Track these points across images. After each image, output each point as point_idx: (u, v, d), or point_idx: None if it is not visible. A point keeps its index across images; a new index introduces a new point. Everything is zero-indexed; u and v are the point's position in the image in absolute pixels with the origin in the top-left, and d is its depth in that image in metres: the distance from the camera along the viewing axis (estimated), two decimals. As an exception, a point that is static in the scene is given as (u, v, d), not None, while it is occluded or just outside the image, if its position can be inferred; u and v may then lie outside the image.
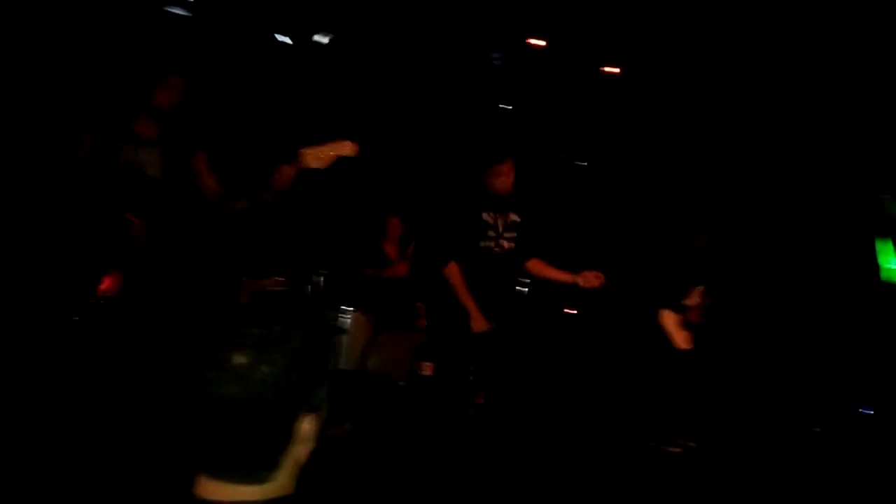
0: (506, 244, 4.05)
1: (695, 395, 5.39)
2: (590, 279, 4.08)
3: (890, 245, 5.73)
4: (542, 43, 5.49)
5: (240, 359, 1.04)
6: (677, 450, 5.01)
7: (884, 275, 5.67)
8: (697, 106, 6.08)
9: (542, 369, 5.74)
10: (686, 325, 5.44)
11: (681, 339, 5.45)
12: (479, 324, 3.94)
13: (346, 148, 3.15)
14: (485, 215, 4.04)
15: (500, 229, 4.07)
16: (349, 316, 4.45)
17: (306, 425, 1.09)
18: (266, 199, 3.25)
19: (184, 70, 3.43)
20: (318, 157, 3.14)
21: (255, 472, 1.07)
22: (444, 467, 3.95)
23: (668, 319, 5.43)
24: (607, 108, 6.35)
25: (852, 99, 5.51)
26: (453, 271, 3.97)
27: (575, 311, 6.05)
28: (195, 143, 3.50)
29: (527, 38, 5.68)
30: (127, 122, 3.39)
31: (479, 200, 4.06)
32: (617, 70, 5.78)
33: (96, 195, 3.30)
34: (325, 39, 5.55)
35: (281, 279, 4.34)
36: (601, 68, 5.86)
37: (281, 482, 1.09)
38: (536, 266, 4.21)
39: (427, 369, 4.63)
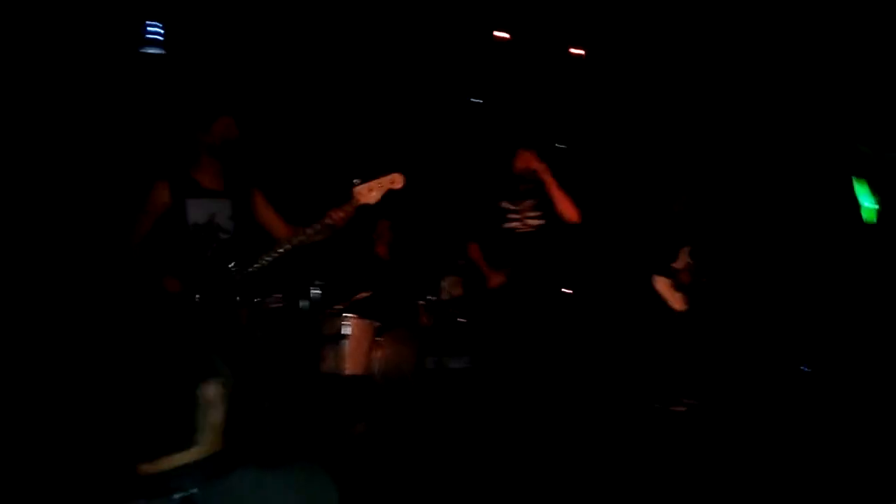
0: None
1: (695, 354, 5.55)
2: (497, 281, 4.35)
3: (865, 186, 5.83)
4: (507, 35, 5.65)
5: None
6: (681, 409, 5.18)
7: (865, 215, 5.78)
8: (661, 74, 6.20)
9: (544, 348, 5.91)
10: (679, 286, 5.60)
11: (676, 301, 5.61)
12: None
13: (397, 181, 3.13)
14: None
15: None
16: (349, 322, 4.63)
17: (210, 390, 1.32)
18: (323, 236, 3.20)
19: (232, 109, 3.33)
20: (370, 192, 3.12)
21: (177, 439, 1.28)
22: (459, 457, 4.14)
23: (661, 284, 5.60)
24: (577, 90, 6.49)
25: (818, 57, 5.60)
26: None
27: (570, 291, 6.20)
28: (253, 186, 3.39)
29: (492, 32, 5.83)
30: (189, 172, 3.26)
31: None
32: (582, 52, 5.93)
33: (171, 254, 3.18)
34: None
35: (278, 296, 4.56)
36: (567, 51, 6.00)
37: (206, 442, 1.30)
38: (473, 251, 4.46)
39: (360, 428, 4.56)
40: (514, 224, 4.30)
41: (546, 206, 4.28)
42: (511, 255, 4.28)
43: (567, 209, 4.24)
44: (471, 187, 4.83)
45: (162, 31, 5.22)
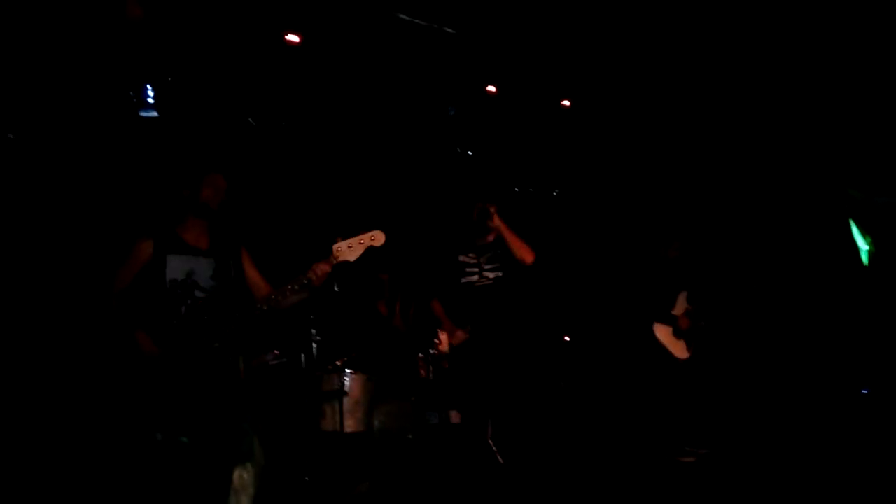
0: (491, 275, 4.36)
1: (701, 402, 5.46)
2: (459, 337, 4.42)
3: (857, 229, 5.90)
4: (493, 89, 5.74)
5: None
6: (690, 459, 5.06)
7: (863, 258, 5.84)
8: (650, 116, 6.29)
9: (548, 398, 5.81)
10: (679, 333, 5.55)
11: (677, 349, 5.55)
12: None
13: (378, 238, 3.14)
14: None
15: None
16: (349, 378, 4.52)
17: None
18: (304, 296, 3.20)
19: (225, 169, 3.40)
20: (350, 250, 3.13)
21: None
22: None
23: (661, 332, 5.54)
24: (565, 139, 6.57)
25: (809, 99, 5.72)
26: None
27: (568, 339, 6.16)
28: (239, 246, 3.42)
29: (482, 86, 5.91)
30: (174, 229, 3.31)
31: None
32: (567, 103, 6.02)
33: (148, 309, 3.19)
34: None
35: (277, 352, 4.46)
36: (556, 102, 6.09)
37: None
38: (435, 307, 4.53)
39: (455, 417, 4.66)
40: (472, 278, 4.35)
41: (503, 258, 4.34)
42: (472, 309, 4.33)
43: (521, 251, 4.32)
44: (429, 243, 4.89)
45: (153, 94, 5.28)
